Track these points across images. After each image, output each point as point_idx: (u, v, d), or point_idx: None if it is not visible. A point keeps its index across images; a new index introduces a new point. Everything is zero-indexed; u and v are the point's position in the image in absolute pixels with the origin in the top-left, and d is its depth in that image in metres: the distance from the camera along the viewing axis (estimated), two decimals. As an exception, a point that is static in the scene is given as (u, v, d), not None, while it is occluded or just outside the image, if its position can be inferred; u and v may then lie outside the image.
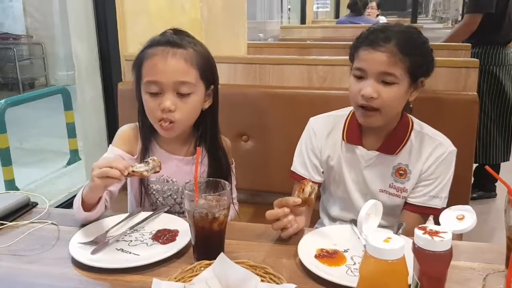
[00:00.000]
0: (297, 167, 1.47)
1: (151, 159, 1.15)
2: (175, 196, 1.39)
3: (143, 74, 1.29)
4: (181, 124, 1.30)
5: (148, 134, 1.36)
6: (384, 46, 1.25)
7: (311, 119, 1.48)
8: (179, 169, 1.37)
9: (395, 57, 1.24)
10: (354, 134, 1.40)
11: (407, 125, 1.37)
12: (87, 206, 1.20)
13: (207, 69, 1.31)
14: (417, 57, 1.27)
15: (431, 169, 1.35)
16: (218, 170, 1.38)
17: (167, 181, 1.38)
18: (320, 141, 1.44)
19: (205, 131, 1.37)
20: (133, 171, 1.12)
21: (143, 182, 1.36)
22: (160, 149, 1.38)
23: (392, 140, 1.36)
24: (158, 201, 1.39)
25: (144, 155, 1.34)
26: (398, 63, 1.25)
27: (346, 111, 1.44)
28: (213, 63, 1.34)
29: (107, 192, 1.26)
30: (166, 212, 1.32)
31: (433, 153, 1.35)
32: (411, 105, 1.37)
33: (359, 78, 1.30)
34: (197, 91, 1.29)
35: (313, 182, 1.18)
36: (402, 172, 1.37)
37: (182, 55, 1.26)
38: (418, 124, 1.39)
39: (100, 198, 1.20)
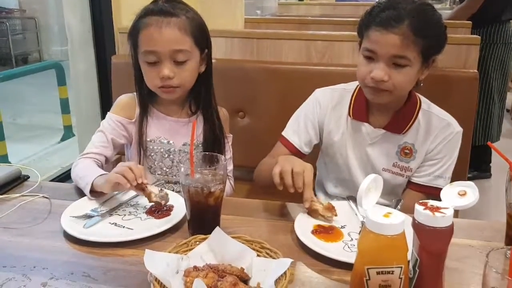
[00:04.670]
0: (289, 132, 1.44)
1: (166, 192, 1.17)
2: (172, 157, 1.42)
3: (139, 44, 1.33)
4: (181, 88, 1.35)
5: (145, 99, 1.41)
6: (397, 27, 1.18)
7: (317, 90, 1.45)
8: (175, 130, 1.42)
9: (408, 39, 1.18)
10: (361, 110, 1.36)
11: (415, 104, 1.34)
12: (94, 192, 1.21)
13: (201, 36, 1.35)
14: (431, 38, 1.21)
15: (438, 149, 1.33)
16: (213, 131, 1.42)
17: (164, 142, 1.42)
18: (324, 113, 1.41)
19: (199, 93, 1.42)
20: (146, 185, 1.13)
21: (141, 142, 1.40)
22: (156, 111, 1.43)
23: (400, 118, 1.34)
24: (155, 164, 1.42)
25: (142, 118, 1.39)
26: (411, 45, 1.19)
27: (352, 85, 1.40)
28: (205, 28, 1.38)
29: (102, 157, 1.34)
30: (163, 181, 1.39)
31: (440, 133, 1.33)
32: (421, 84, 1.32)
33: (369, 58, 1.25)
34: (192, 58, 1.33)
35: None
36: (408, 151, 1.35)
37: (176, 23, 1.29)
38: (426, 103, 1.36)
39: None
